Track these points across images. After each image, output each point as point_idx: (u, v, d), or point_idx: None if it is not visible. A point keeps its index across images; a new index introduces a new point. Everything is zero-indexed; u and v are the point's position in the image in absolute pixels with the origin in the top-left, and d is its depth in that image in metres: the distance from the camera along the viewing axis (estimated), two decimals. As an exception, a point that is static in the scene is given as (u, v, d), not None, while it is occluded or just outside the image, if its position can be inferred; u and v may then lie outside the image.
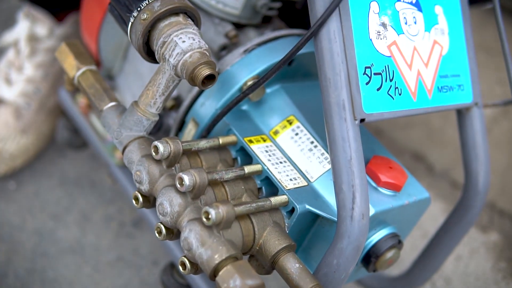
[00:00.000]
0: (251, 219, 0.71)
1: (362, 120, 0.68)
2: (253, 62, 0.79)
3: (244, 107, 0.81)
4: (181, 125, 0.83)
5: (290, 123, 0.79)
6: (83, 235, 1.09)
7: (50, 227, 1.10)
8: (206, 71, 0.69)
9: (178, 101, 0.90)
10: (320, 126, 0.79)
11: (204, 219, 0.65)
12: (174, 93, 0.90)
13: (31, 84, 1.14)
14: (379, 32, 0.71)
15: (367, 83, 0.69)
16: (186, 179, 0.67)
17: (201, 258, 0.66)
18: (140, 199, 0.74)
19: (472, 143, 0.84)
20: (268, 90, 0.81)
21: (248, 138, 0.77)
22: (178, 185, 0.68)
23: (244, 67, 0.79)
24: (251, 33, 0.89)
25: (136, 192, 0.74)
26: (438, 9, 0.79)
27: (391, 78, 0.72)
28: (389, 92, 0.72)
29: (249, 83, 0.78)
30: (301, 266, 0.69)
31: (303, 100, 0.82)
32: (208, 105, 0.79)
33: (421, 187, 0.79)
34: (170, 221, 0.69)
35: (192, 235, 0.66)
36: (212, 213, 0.64)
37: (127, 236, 1.10)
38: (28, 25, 1.13)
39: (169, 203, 0.69)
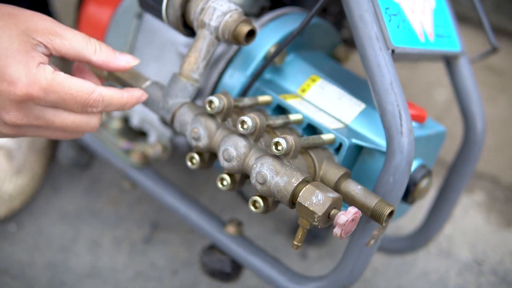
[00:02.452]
0: (309, 154, 0.76)
1: (392, 51, 0.77)
2: (271, 32, 0.87)
3: (267, 76, 0.88)
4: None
5: (314, 81, 0.86)
6: (97, 260, 1.09)
7: (61, 258, 1.09)
8: (247, 27, 0.77)
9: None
10: (340, 82, 0.87)
11: (275, 150, 0.70)
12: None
13: (18, 126, 1.15)
14: (387, -20, 0.82)
15: (389, 21, 0.79)
16: (249, 121, 0.72)
17: (277, 186, 0.70)
18: (197, 158, 0.78)
19: (465, 88, 0.94)
20: (285, 60, 0.89)
21: (282, 96, 0.84)
22: (241, 128, 0.73)
23: (264, 38, 0.86)
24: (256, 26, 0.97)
25: (192, 153, 0.78)
26: (421, -29, 0.91)
27: (403, 21, 0.82)
28: (405, 31, 0.81)
29: (272, 49, 0.85)
30: (362, 187, 0.75)
31: (317, 64, 0.90)
32: (237, 75, 0.86)
33: (436, 122, 0.88)
34: (237, 164, 0.73)
35: (265, 167, 0.71)
36: (283, 142, 0.70)
37: (141, 253, 1.11)
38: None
39: (234, 147, 0.73)
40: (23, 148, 1.15)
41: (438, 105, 1.30)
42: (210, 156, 0.79)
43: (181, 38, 0.93)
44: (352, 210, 0.68)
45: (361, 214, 0.70)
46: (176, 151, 0.98)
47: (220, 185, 0.77)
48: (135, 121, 1.02)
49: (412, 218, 1.17)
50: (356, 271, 0.80)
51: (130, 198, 1.20)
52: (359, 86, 0.88)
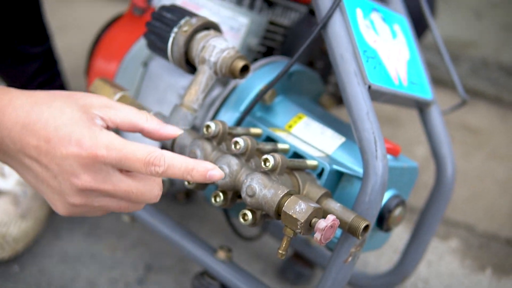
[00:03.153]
0: (294, 175, 0.85)
1: (369, 87, 0.88)
2: (262, 76, 0.98)
3: (258, 114, 0.98)
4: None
5: (300, 118, 0.96)
6: (93, 298, 1.16)
7: (60, 296, 1.15)
8: (242, 62, 0.87)
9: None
10: (323, 121, 0.97)
11: (264, 166, 0.79)
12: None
13: (24, 174, 1.24)
14: (366, 28, 0.93)
15: (367, 61, 0.90)
16: (241, 141, 0.81)
17: (265, 198, 0.79)
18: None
19: (436, 133, 1.04)
20: (274, 101, 0.99)
21: (271, 129, 0.94)
22: (234, 149, 0.82)
23: (255, 80, 0.97)
24: (246, 71, 1.08)
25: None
26: (397, 27, 1.03)
27: (379, 64, 0.93)
28: (381, 73, 0.92)
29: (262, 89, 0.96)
30: (341, 205, 0.83)
31: (304, 105, 1.00)
32: (231, 112, 0.96)
33: (409, 158, 0.97)
34: (229, 180, 0.82)
35: (254, 181, 0.79)
36: (271, 158, 0.79)
37: (135, 292, 1.17)
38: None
39: (228, 164, 0.82)
40: (28, 195, 1.23)
41: (417, 160, 1.40)
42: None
43: (181, 83, 1.03)
44: (331, 217, 0.76)
45: (339, 223, 0.78)
46: (173, 187, 1.06)
47: (213, 201, 0.85)
48: (136, 160, 1.10)
49: (388, 260, 1.24)
50: (336, 287, 0.88)
51: (126, 243, 1.27)
52: (340, 125, 0.98)
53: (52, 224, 1.28)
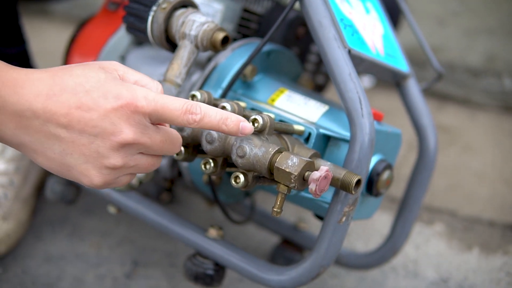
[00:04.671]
0: (283, 137, 0.86)
1: (349, 51, 0.89)
2: (241, 54, 0.99)
3: (240, 91, 0.99)
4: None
5: (282, 92, 0.97)
6: (81, 295, 1.13)
7: (46, 295, 1.13)
8: (223, 33, 0.89)
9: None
10: (305, 94, 0.98)
11: (253, 126, 0.80)
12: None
13: (5, 177, 1.22)
14: (340, 0, 0.95)
15: (344, 28, 0.92)
16: (228, 106, 0.82)
17: (256, 157, 0.79)
18: (182, 149, 0.87)
19: (416, 105, 1.06)
20: (255, 79, 1.00)
21: (255, 101, 0.94)
22: (221, 113, 0.82)
23: (235, 58, 0.98)
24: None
25: (178, 145, 0.87)
26: (369, 4, 1.06)
27: (356, 33, 0.95)
28: (358, 41, 0.94)
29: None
30: (331, 163, 0.84)
31: (284, 81, 1.01)
32: (213, 90, 0.96)
33: (392, 126, 0.99)
34: (219, 145, 0.82)
35: (244, 142, 0.80)
36: (259, 118, 0.80)
37: (124, 287, 1.15)
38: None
39: (216, 129, 0.82)
40: (9, 197, 1.21)
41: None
42: (193, 149, 0.88)
43: (160, 70, 1.05)
44: (324, 168, 0.76)
45: (332, 175, 0.78)
46: (158, 174, 1.06)
47: (203, 168, 0.85)
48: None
49: (376, 245, 1.24)
50: (332, 249, 0.87)
51: (111, 241, 1.25)
52: (322, 99, 0.99)
53: (33, 226, 1.26)
